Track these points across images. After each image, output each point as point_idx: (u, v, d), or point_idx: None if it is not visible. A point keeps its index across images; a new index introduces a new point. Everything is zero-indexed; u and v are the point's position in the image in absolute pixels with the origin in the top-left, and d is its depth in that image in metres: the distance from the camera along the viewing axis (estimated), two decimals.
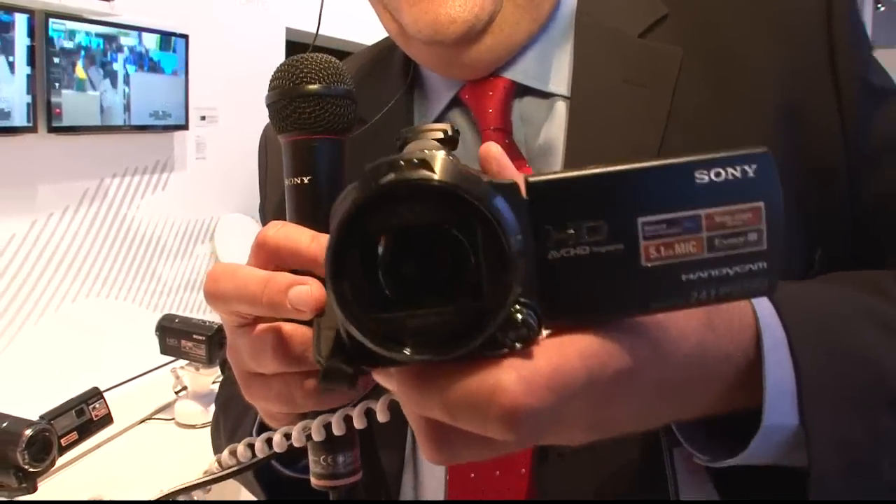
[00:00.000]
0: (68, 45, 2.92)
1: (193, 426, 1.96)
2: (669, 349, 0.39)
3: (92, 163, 3.20)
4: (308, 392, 0.44)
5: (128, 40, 3.21)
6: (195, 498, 0.51)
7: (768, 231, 0.34)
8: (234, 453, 0.49)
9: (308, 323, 0.42)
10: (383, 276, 0.32)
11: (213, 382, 2.01)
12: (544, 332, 0.34)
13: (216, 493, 1.68)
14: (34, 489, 1.32)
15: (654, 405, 0.41)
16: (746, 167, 0.34)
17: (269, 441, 0.48)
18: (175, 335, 1.92)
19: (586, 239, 0.34)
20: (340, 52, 0.52)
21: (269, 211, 0.79)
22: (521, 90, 0.66)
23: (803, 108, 0.60)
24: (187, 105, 3.59)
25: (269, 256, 0.43)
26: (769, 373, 0.44)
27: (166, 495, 0.50)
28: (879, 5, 8.51)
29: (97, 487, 1.56)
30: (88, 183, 3.21)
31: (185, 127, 3.62)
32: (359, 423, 0.44)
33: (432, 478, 0.64)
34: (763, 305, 0.46)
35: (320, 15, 1.05)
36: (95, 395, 1.66)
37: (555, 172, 0.35)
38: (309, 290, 0.40)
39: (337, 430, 0.45)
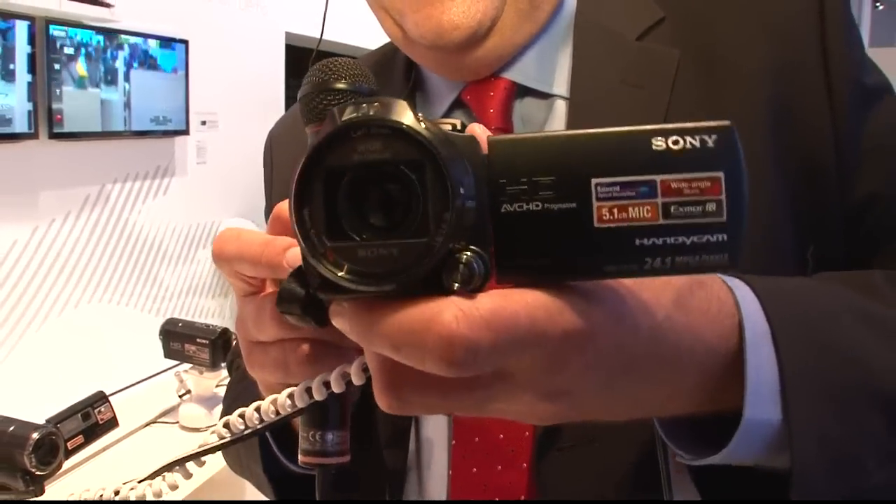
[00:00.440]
0: (69, 51, 2.94)
1: (197, 429, 1.96)
2: (631, 318, 0.39)
3: (93, 168, 3.21)
4: (301, 358, 0.46)
5: (129, 48, 3.23)
6: (191, 473, 0.52)
7: (728, 202, 0.34)
8: (227, 425, 0.50)
9: None
10: (340, 207, 0.34)
11: (217, 386, 2.01)
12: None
13: (218, 491, 1.69)
14: (41, 492, 1.33)
15: (615, 380, 0.40)
16: (706, 137, 0.34)
17: (259, 410, 0.49)
18: (179, 339, 1.93)
19: (539, 194, 0.35)
20: (342, 56, 0.55)
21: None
22: (522, 91, 0.67)
23: (796, 108, 0.61)
24: (188, 110, 3.60)
25: (283, 228, 0.46)
26: (751, 366, 0.44)
27: (161, 468, 0.51)
28: (878, 4, 8.53)
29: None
30: (90, 189, 3.22)
31: (185, 132, 3.63)
32: (336, 387, 0.44)
33: (436, 474, 0.64)
34: (746, 298, 0.46)
35: (324, 20, 1.06)
36: (101, 398, 1.67)
37: (516, 134, 0.36)
38: None
39: (318, 395, 0.46)
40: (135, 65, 3.25)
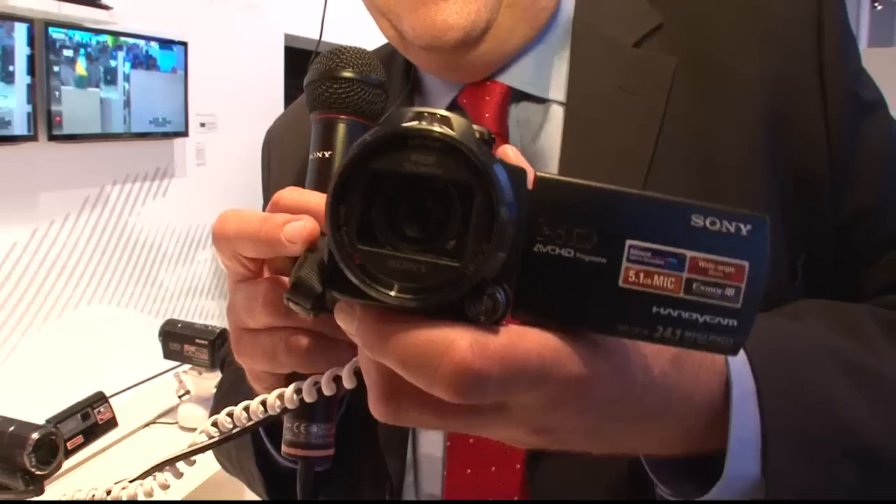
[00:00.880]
0: (68, 53, 2.94)
1: (196, 429, 1.97)
2: (629, 373, 0.39)
3: (92, 170, 3.22)
4: (290, 349, 0.46)
5: (128, 49, 3.23)
6: (182, 473, 0.52)
7: (746, 292, 0.35)
8: (216, 424, 0.50)
9: None
10: (378, 212, 0.33)
11: (216, 386, 2.02)
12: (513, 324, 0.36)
13: (214, 491, 1.70)
14: (41, 491, 1.34)
15: (602, 425, 0.41)
16: (741, 225, 0.35)
17: (247, 409, 0.49)
18: (178, 340, 1.93)
19: (574, 243, 0.35)
20: (355, 46, 0.55)
21: None
22: (518, 95, 0.67)
23: (791, 120, 0.62)
24: (187, 112, 3.61)
25: (281, 212, 0.45)
26: (735, 424, 0.45)
27: (151, 468, 0.51)
28: (876, 4, 8.53)
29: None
30: (89, 190, 3.23)
31: (184, 134, 3.64)
32: (327, 390, 0.45)
33: (430, 473, 0.65)
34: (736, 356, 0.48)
35: (322, 21, 1.07)
36: (100, 399, 1.67)
37: (563, 176, 0.36)
38: (302, 224, 0.42)
39: (308, 397, 0.46)
40: (134, 65, 3.26)
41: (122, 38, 3.20)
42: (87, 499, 0.54)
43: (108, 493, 0.53)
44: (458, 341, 0.33)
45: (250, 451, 0.64)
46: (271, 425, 0.52)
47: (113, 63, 3.17)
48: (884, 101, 0.65)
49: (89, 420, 1.62)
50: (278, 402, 0.47)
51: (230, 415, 0.49)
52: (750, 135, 0.61)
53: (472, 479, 0.62)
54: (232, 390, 0.69)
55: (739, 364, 0.46)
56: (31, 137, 2.82)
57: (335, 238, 0.33)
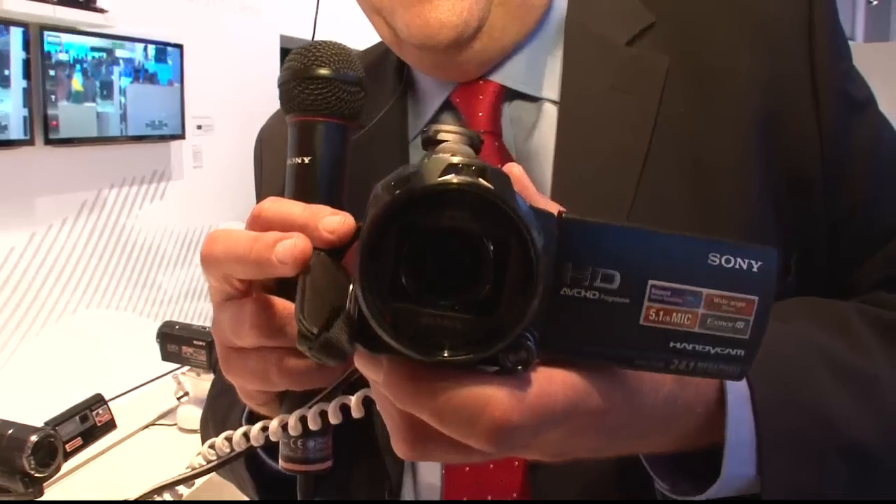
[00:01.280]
0: (63, 57, 2.95)
1: (196, 431, 1.97)
2: (641, 399, 0.41)
3: (89, 174, 3.22)
4: (283, 370, 0.45)
5: (123, 52, 3.24)
6: (180, 493, 0.52)
7: (754, 323, 0.36)
8: (213, 447, 0.50)
9: (291, 297, 0.42)
10: (411, 268, 0.32)
11: (210, 385, 2.01)
12: (536, 360, 0.36)
13: (213, 491, 1.70)
14: (40, 493, 1.34)
15: (612, 442, 0.43)
16: (753, 261, 0.36)
17: (247, 434, 0.49)
18: (176, 341, 1.93)
19: (599, 285, 0.36)
20: (328, 40, 0.53)
21: None
22: (511, 94, 0.67)
23: (783, 120, 0.62)
24: (183, 114, 3.61)
25: (263, 228, 0.44)
26: (731, 429, 0.47)
27: (148, 492, 0.51)
28: (872, 0, 8.54)
29: (103, 492, 1.58)
30: (86, 194, 3.23)
31: (181, 136, 3.65)
32: (334, 419, 0.45)
33: (430, 472, 0.65)
34: None
35: (315, 21, 1.07)
36: (98, 401, 1.67)
37: (587, 217, 0.36)
38: (293, 243, 0.41)
39: (313, 425, 0.46)
40: (129, 80, 3.26)
41: (119, 52, 3.20)
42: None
43: None
44: (497, 396, 0.33)
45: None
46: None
47: (109, 78, 3.17)
48: (873, 98, 0.66)
49: (88, 422, 1.62)
50: (281, 431, 0.47)
51: (228, 439, 0.49)
52: (743, 134, 0.61)
53: (472, 476, 0.62)
54: (225, 391, 0.69)
55: None
56: (27, 141, 2.83)
57: (366, 297, 0.32)
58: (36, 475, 1.32)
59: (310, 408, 0.46)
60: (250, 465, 0.64)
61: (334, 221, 0.42)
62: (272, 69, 4.34)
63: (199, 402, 1.99)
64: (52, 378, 2.74)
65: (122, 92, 3.23)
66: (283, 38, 4.33)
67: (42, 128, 2.89)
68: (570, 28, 0.68)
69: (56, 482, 1.55)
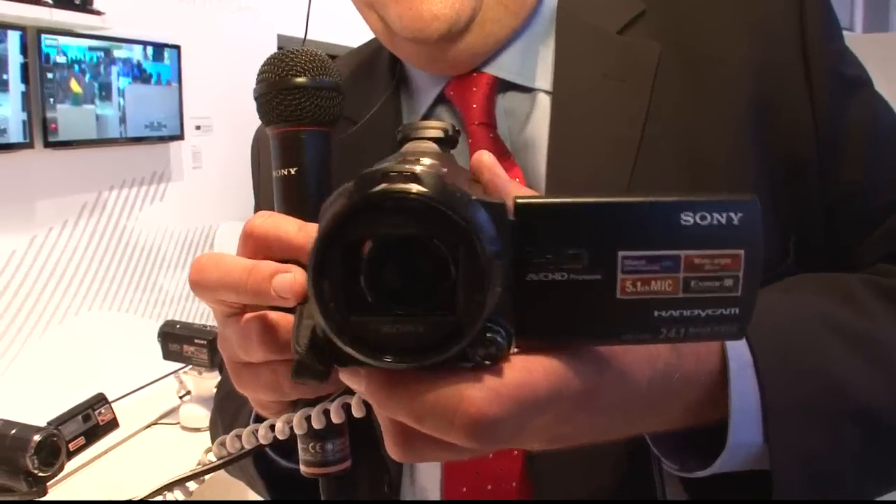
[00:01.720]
0: (61, 60, 2.95)
1: (198, 429, 1.98)
2: (635, 374, 0.40)
3: (89, 176, 3.23)
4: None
5: (121, 52, 3.24)
6: (191, 491, 0.52)
7: (744, 278, 0.34)
8: (224, 445, 0.50)
9: (293, 311, 0.42)
10: (364, 280, 0.32)
11: (216, 386, 2.02)
12: (515, 350, 0.35)
13: (219, 490, 1.71)
14: (44, 493, 1.35)
15: (612, 424, 0.42)
16: (732, 214, 0.34)
17: (256, 433, 0.49)
18: (177, 340, 1.94)
19: (566, 265, 0.34)
20: (331, 55, 0.53)
21: (264, 209, 0.80)
22: (505, 85, 0.67)
23: (776, 103, 0.62)
24: (182, 115, 3.62)
25: (256, 246, 0.44)
26: (735, 396, 0.46)
27: (159, 488, 0.51)
28: None
29: (106, 491, 1.59)
30: (87, 196, 3.24)
31: (180, 137, 3.65)
32: (336, 418, 0.45)
33: (429, 464, 0.65)
34: None
35: (307, 20, 1.08)
36: (101, 400, 1.68)
37: (543, 196, 0.35)
38: (292, 278, 0.41)
39: (317, 424, 0.46)
40: (127, 81, 3.27)
41: (117, 53, 3.20)
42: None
43: None
44: (470, 392, 0.33)
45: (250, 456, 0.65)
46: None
47: (108, 79, 3.17)
48: (869, 78, 0.66)
49: (90, 421, 1.63)
50: (287, 429, 0.47)
51: (238, 436, 0.49)
52: (736, 119, 0.61)
53: (471, 465, 0.62)
54: (231, 393, 0.69)
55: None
56: (27, 145, 2.83)
57: (325, 315, 0.32)
58: (39, 474, 1.33)
59: (313, 408, 0.47)
60: (260, 465, 0.64)
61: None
62: None
63: (201, 401, 1.99)
64: (56, 380, 2.75)
65: (121, 93, 3.24)
66: (280, 38, 4.33)
67: (41, 131, 2.89)
68: (561, 18, 0.69)
69: (60, 482, 1.56)
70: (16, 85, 2.75)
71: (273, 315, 0.44)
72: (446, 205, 0.31)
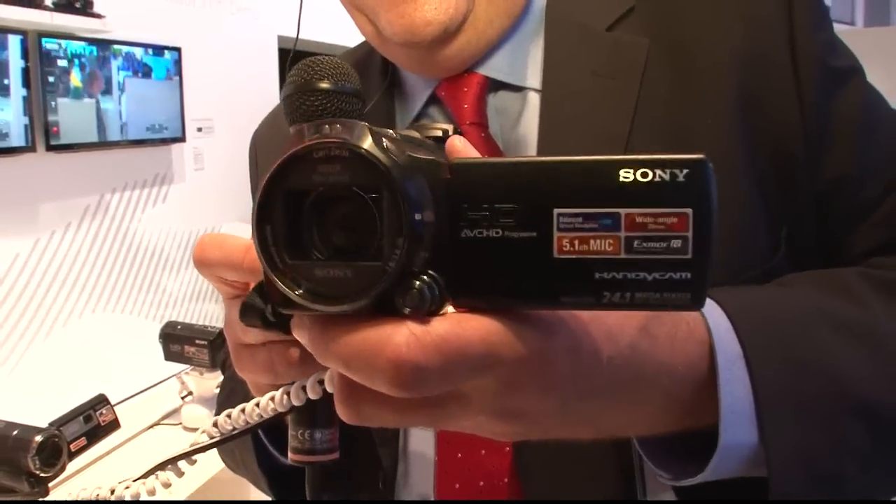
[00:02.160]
0: (62, 64, 2.96)
1: (199, 429, 1.99)
2: (590, 346, 0.39)
3: (91, 179, 3.24)
4: (288, 361, 0.46)
5: (121, 57, 3.25)
6: (182, 471, 0.53)
7: (695, 240, 0.32)
8: (216, 425, 0.51)
9: None
10: (301, 227, 0.34)
11: (218, 386, 2.03)
12: (451, 309, 0.35)
13: (219, 490, 1.71)
14: (46, 493, 1.35)
15: (571, 404, 0.40)
16: (677, 170, 0.33)
17: (244, 410, 0.50)
18: (178, 341, 1.95)
19: (500, 222, 0.34)
20: (328, 56, 0.55)
21: None
22: (496, 85, 0.67)
23: (764, 96, 0.62)
24: (183, 117, 3.63)
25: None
26: (724, 391, 0.44)
27: (154, 468, 0.52)
28: None
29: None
30: (89, 199, 3.25)
31: (181, 139, 3.66)
32: (312, 394, 0.46)
33: (422, 459, 0.65)
34: (718, 320, 0.46)
35: (299, 20, 1.08)
36: (102, 401, 1.68)
37: (480, 158, 0.36)
38: None
39: (296, 400, 0.47)
40: (129, 73, 3.28)
41: (116, 47, 3.21)
42: (92, 498, 0.56)
43: (112, 492, 0.55)
44: (393, 336, 0.33)
45: (252, 452, 0.66)
46: (273, 427, 0.54)
47: (108, 73, 3.19)
48: (861, 69, 0.65)
49: (92, 422, 1.64)
50: (271, 405, 0.49)
51: (229, 416, 0.50)
52: (724, 113, 0.61)
53: (464, 462, 0.62)
54: (235, 391, 0.70)
55: (722, 330, 0.46)
56: (29, 148, 2.85)
57: (265, 256, 0.34)
58: (41, 475, 1.34)
59: (292, 384, 0.48)
60: (262, 462, 0.65)
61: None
62: (270, 70, 4.36)
63: (202, 402, 2.00)
64: (60, 383, 2.76)
65: (121, 87, 3.25)
66: (280, 39, 4.34)
67: (43, 134, 2.91)
68: (550, 16, 0.69)
69: (62, 482, 1.57)
70: (17, 89, 2.77)
71: None
72: (371, 154, 0.32)
